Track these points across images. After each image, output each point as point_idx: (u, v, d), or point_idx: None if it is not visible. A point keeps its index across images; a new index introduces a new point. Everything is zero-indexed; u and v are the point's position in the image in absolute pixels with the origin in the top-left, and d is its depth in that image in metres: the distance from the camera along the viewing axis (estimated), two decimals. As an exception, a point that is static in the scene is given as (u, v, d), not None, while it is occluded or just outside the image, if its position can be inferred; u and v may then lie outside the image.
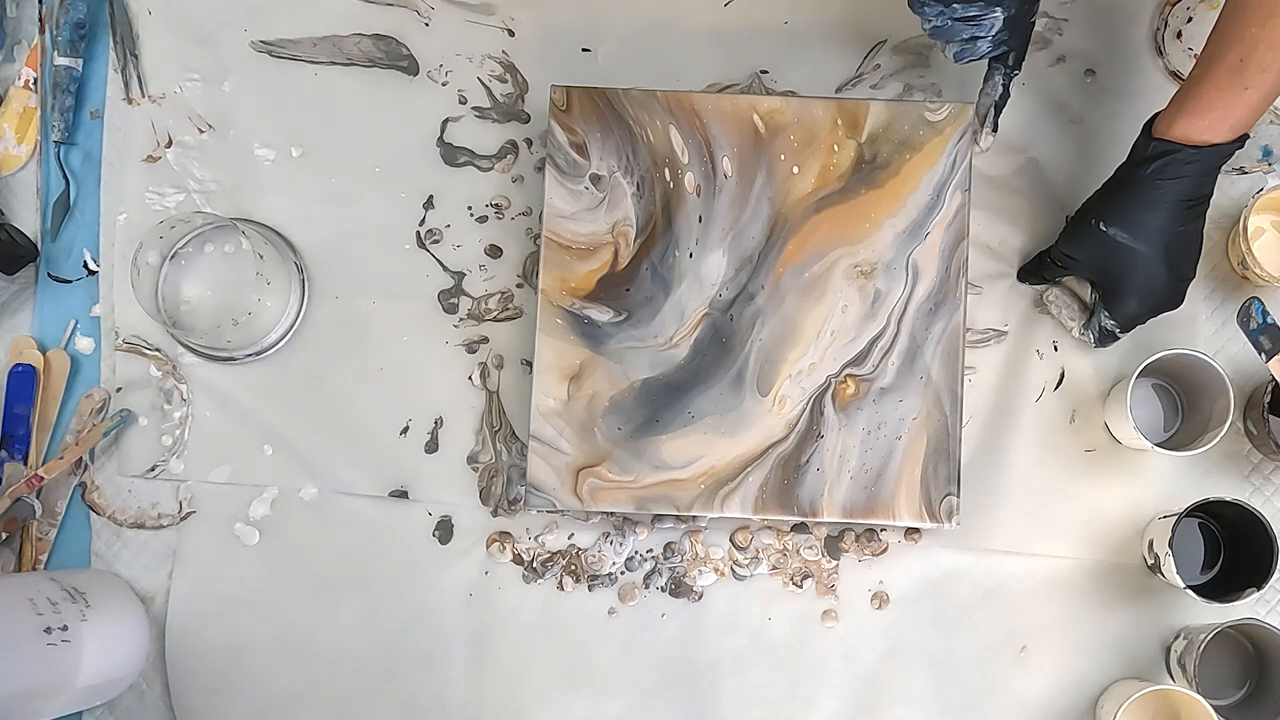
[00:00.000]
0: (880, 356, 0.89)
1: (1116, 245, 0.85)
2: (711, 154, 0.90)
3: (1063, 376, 0.94)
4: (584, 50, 0.98)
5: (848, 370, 0.89)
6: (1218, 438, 0.86)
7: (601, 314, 0.90)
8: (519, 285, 0.96)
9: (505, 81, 0.98)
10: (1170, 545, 0.85)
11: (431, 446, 0.95)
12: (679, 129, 0.90)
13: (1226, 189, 0.96)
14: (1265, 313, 0.85)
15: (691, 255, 0.90)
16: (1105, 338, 0.91)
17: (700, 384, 0.89)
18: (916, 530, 0.93)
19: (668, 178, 0.90)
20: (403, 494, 0.94)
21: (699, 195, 0.90)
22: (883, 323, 0.89)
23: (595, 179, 0.90)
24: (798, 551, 0.93)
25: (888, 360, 0.89)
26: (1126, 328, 0.89)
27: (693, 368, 0.89)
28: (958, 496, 0.87)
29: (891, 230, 0.89)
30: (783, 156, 0.90)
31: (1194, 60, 0.84)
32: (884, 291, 0.89)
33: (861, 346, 0.89)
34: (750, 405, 0.89)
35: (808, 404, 0.89)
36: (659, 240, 0.90)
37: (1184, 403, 0.93)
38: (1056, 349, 0.94)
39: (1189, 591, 0.85)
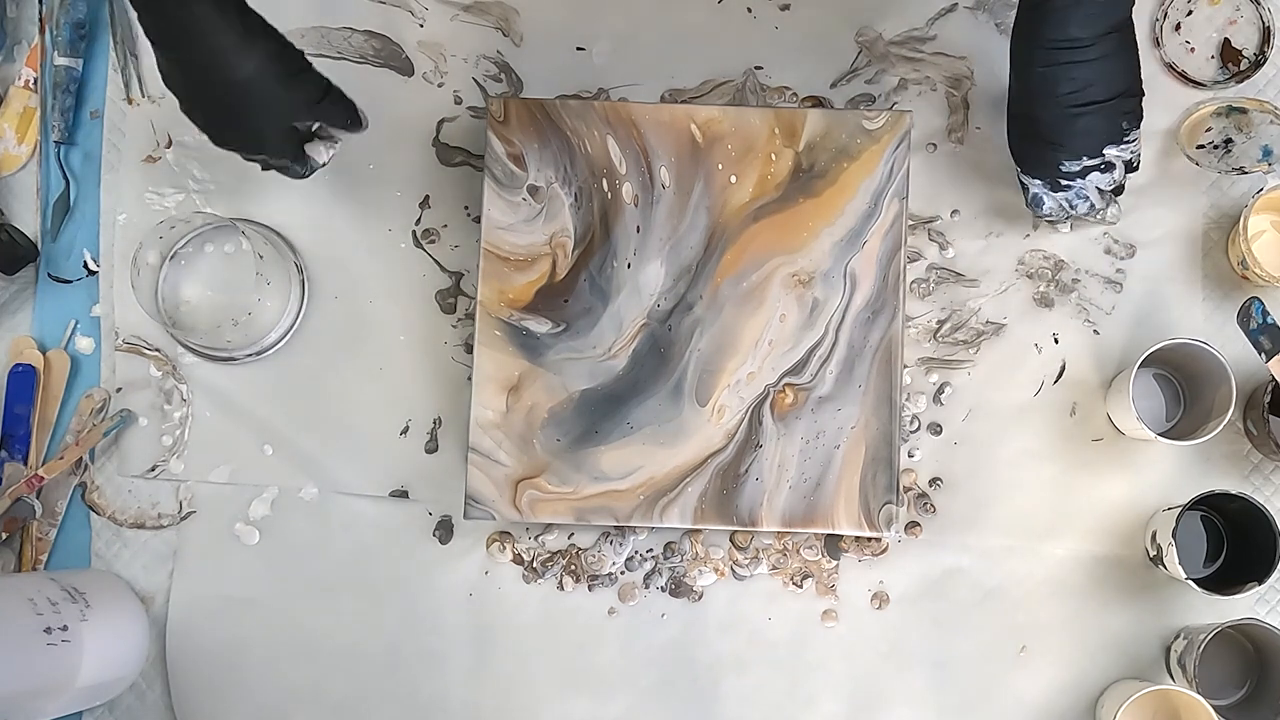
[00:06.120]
0: (818, 365, 0.89)
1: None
2: (649, 164, 0.90)
3: (1063, 369, 0.94)
4: (578, 49, 0.98)
5: (786, 379, 0.89)
6: (1220, 425, 0.85)
7: (540, 325, 0.90)
8: (518, 285, 0.96)
9: (500, 81, 0.98)
10: (1174, 535, 0.85)
11: (431, 446, 0.95)
12: (616, 139, 0.90)
13: (1226, 189, 0.95)
14: (1265, 313, 0.85)
15: (629, 266, 0.90)
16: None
17: (639, 394, 0.89)
18: (916, 524, 0.93)
19: (605, 188, 0.90)
20: (403, 494, 0.95)
21: (637, 205, 0.90)
22: (821, 331, 0.89)
23: (533, 190, 0.90)
24: (797, 551, 0.93)
25: (826, 369, 0.89)
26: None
27: (631, 378, 0.89)
28: (897, 505, 0.88)
29: (829, 239, 0.89)
30: (720, 166, 0.90)
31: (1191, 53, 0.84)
32: (822, 300, 0.89)
33: (800, 355, 0.89)
34: (689, 415, 0.89)
35: (746, 414, 0.89)
36: (597, 251, 0.90)
37: (1185, 393, 0.93)
38: (1056, 341, 0.94)
39: (1190, 583, 0.85)
